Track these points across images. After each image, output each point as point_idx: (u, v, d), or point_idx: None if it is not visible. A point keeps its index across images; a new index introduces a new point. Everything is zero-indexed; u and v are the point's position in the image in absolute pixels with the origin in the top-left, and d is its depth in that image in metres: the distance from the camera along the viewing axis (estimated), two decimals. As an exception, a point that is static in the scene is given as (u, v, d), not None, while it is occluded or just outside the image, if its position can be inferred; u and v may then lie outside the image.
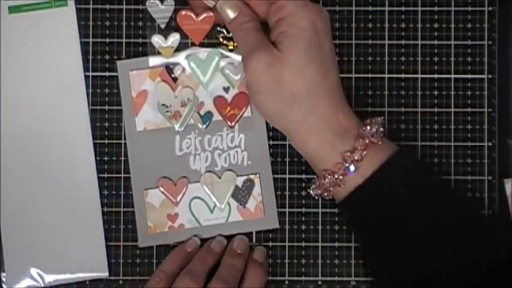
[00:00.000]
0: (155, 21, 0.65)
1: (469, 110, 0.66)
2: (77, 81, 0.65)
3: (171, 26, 0.65)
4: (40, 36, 0.65)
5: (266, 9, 0.59)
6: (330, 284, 0.65)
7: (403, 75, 0.66)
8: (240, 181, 0.65)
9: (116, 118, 0.66)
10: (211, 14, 0.63)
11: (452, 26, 0.66)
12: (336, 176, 0.57)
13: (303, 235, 0.66)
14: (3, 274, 0.65)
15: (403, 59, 0.66)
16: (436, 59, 0.66)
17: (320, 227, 0.66)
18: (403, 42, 0.66)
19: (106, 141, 0.65)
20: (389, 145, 0.58)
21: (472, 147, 0.66)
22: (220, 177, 0.65)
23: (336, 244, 0.66)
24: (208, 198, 0.65)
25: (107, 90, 0.66)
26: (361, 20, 0.66)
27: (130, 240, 0.65)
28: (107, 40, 0.66)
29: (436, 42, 0.66)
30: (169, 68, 0.65)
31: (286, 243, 0.66)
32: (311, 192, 0.60)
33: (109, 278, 0.65)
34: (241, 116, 0.65)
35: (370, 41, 0.66)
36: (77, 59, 0.65)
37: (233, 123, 0.65)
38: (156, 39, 0.65)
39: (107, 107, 0.66)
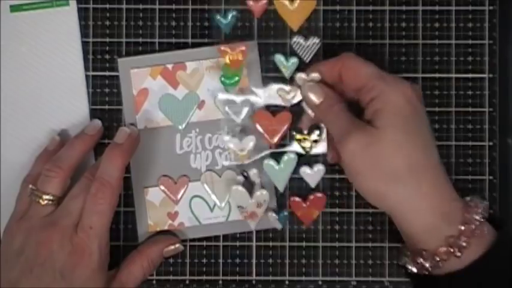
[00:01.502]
0: (156, 21, 0.66)
1: (470, 109, 0.66)
2: (78, 81, 0.65)
3: (245, 127, 0.65)
4: (41, 35, 0.65)
5: (353, 90, 0.59)
6: (330, 284, 0.65)
7: (403, 75, 0.65)
8: (240, 180, 0.65)
9: (115, 118, 0.65)
10: (287, 112, 0.63)
11: (453, 25, 0.66)
12: (438, 259, 0.55)
13: (303, 235, 0.66)
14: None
15: (403, 59, 0.66)
16: (436, 58, 0.66)
17: (320, 227, 0.65)
18: (403, 42, 0.66)
19: (106, 141, 0.65)
20: (489, 230, 0.56)
21: (473, 147, 0.66)
22: (220, 176, 0.65)
23: (336, 244, 0.65)
24: (209, 197, 0.65)
25: (107, 90, 0.66)
26: (361, 20, 0.66)
27: (130, 240, 0.65)
28: (107, 40, 0.66)
29: (436, 41, 0.66)
30: (243, 172, 0.65)
31: (287, 243, 0.66)
32: (399, 261, 0.59)
33: (109, 278, 0.65)
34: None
35: (370, 41, 0.66)
36: (78, 59, 0.65)
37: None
38: (232, 145, 0.64)
39: (107, 107, 0.66)
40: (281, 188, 0.64)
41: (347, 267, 0.65)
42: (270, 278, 0.65)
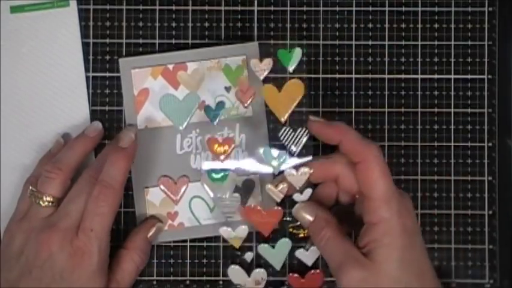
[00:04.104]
0: (156, 22, 0.66)
1: (469, 110, 0.66)
2: (78, 82, 0.65)
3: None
4: (42, 36, 0.65)
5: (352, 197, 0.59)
6: (331, 284, 0.65)
7: (403, 75, 0.66)
8: (240, 181, 0.65)
9: (116, 118, 0.66)
10: (279, 208, 0.62)
11: (453, 26, 0.66)
12: None
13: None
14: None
15: (403, 59, 0.66)
16: (436, 59, 0.66)
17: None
18: (403, 42, 0.66)
19: (106, 141, 0.65)
20: None
21: (472, 148, 0.66)
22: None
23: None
24: (208, 197, 0.64)
25: (107, 91, 0.66)
26: (361, 20, 0.66)
27: (130, 241, 0.65)
28: (107, 40, 0.66)
29: (436, 42, 0.66)
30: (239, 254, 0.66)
31: (286, 244, 0.66)
32: None
33: (109, 278, 0.65)
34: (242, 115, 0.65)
35: (370, 41, 0.66)
36: (79, 60, 0.65)
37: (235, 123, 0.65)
38: (224, 229, 0.63)
39: (107, 108, 0.66)
40: (278, 267, 0.65)
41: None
42: (270, 278, 0.65)
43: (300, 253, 0.65)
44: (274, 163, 0.61)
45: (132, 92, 0.65)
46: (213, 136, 0.62)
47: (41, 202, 0.59)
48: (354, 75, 0.66)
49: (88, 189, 0.59)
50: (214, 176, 0.63)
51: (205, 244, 0.65)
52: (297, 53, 0.63)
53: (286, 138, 0.62)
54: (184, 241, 0.65)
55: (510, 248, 0.66)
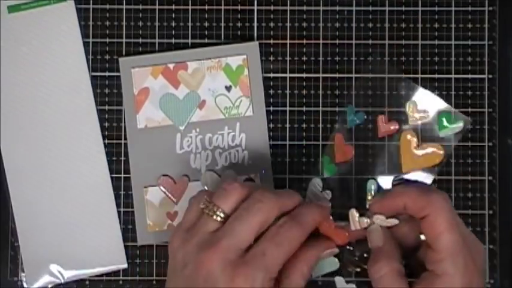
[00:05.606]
0: (156, 22, 0.66)
1: (470, 110, 0.66)
2: (79, 78, 0.65)
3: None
4: (41, 33, 0.65)
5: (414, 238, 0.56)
6: (332, 284, 0.65)
7: (403, 75, 0.66)
8: (240, 180, 0.65)
9: (115, 118, 0.66)
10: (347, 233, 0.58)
11: (453, 25, 0.66)
12: None
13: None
14: (23, 274, 0.64)
15: (402, 59, 0.66)
16: (436, 59, 0.66)
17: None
18: (403, 42, 0.66)
19: (106, 141, 0.65)
20: None
21: (473, 147, 0.66)
22: (220, 176, 0.65)
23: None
24: (209, 197, 0.64)
25: (107, 90, 0.66)
26: (361, 19, 0.66)
27: (130, 241, 0.65)
28: (107, 40, 0.66)
29: (436, 42, 0.66)
30: None
31: (286, 244, 0.65)
32: None
33: (108, 278, 0.65)
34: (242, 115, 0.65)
35: (370, 41, 0.66)
36: (79, 52, 0.65)
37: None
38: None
39: (107, 107, 0.66)
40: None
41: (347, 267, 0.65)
42: (270, 278, 0.65)
43: (339, 281, 0.64)
44: (369, 196, 0.64)
45: (132, 91, 0.65)
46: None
47: (213, 215, 0.54)
48: (354, 75, 0.66)
49: (258, 210, 0.54)
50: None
51: (205, 244, 0.65)
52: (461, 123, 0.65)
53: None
54: (184, 241, 0.65)
55: (510, 248, 0.65)
